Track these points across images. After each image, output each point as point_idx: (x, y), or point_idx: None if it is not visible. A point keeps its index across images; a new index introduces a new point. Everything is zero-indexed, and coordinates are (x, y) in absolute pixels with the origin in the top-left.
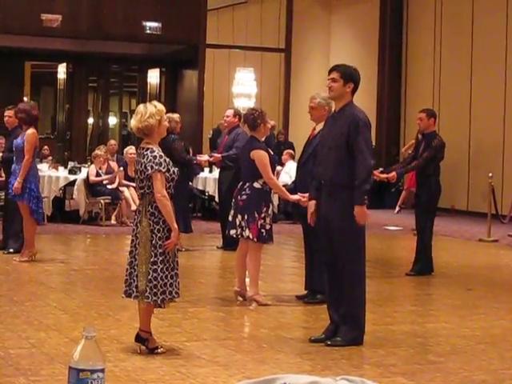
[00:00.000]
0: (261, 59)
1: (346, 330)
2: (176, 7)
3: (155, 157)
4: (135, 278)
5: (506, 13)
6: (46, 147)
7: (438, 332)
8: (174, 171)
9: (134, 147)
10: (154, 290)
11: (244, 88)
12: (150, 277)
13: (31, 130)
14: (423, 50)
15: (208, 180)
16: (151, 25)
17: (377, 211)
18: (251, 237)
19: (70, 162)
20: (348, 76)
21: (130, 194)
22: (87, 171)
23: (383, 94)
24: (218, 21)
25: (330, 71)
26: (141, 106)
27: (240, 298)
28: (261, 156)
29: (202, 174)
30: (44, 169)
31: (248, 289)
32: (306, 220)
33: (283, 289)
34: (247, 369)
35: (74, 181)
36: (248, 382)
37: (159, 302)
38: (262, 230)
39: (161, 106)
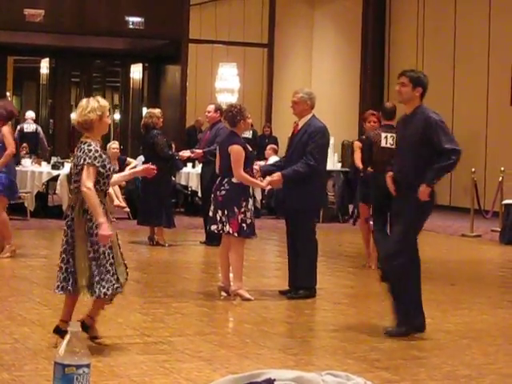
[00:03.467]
0: (244, 54)
1: None
2: (159, 2)
3: (90, 150)
4: (71, 275)
5: (488, 7)
6: (25, 145)
7: None
8: (110, 168)
9: (117, 142)
10: (97, 285)
11: (227, 83)
12: (90, 272)
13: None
14: (406, 45)
15: (191, 175)
16: (134, 20)
17: None
18: (232, 232)
19: (52, 157)
20: (416, 81)
21: (113, 189)
22: (70, 166)
23: (366, 90)
24: (200, 16)
25: (400, 76)
26: (83, 101)
27: (224, 294)
28: (236, 151)
29: (184, 169)
30: (27, 164)
31: (232, 284)
32: (289, 215)
33: (266, 284)
34: (231, 364)
35: (57, 176)
36: (233, 377)
37: (102, 295)
38: (243, 225)
39: (104, 102)
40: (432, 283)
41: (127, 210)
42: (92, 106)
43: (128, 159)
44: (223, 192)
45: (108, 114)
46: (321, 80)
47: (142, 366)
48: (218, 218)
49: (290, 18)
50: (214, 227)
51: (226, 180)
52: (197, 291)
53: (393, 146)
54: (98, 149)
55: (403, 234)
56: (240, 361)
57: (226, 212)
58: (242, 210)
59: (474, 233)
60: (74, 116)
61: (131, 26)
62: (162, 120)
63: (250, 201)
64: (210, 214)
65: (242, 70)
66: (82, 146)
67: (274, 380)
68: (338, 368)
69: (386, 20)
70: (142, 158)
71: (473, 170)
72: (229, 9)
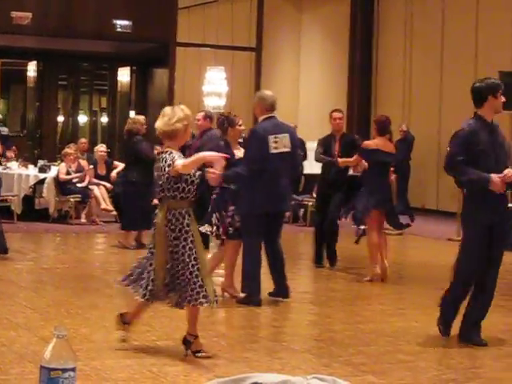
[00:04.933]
0: (232, 58)
1: None
2: (147, 5)
3: (173, 158)
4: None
5: (475, 11)
6: (14, 148)
7: (407, 331)
8: (195, 174)
9: (104, 145)
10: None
11: (214, 87)
12: (192, 282)
13: None
14: (394, 48)
15: None
16: (122, 23)
17: None
18: (221, 234)
19: (39, 161)
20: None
21: (100, 192)
22: (57, 169)
23: (354, 93)
24: (189, 19)
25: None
26: (168, 109)
27: (226, 294)
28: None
29: None
30: (14, 167)
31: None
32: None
33: None
34: (217, 368)
35: (44, 179)
36: (219, 381)
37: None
38: (230, 228)
39: (188, 111)
40: (419, 287)
41: (114, 213)
42: (179, 116)
43: (115, 162)
44: (214, 196)
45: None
46: (309, 84)
47: (128, 369)
48: (214, 221)
49: (278, 21)
50: (206, 229)
51: None
52: None
53: None
54: (181, 155)
55: None
56: (227, 365)
57: (217, 215)
58: (229, 213)
59: (460, 237)
60: (158, 124)
61: (119, 29)
62: (145, 127)
63: None
64: (207, 215)
65: (229, 73)
66: (165, 156)
67: None
68: (324, 372)
69: (373, 24)
70: None
71: None
72: (217, 12)
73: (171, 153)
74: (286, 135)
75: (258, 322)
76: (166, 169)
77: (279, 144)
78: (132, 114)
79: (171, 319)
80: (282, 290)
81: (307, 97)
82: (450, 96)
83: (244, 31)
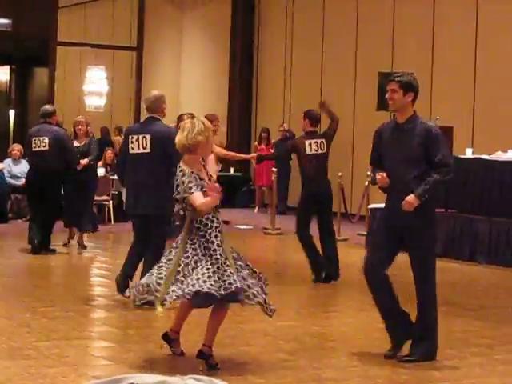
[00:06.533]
0: (112, 57)
1: None
2: (27, 3)
3: (189, 186)
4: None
5: (356, 12)
6: None
7: (287, 330)
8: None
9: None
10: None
11: (95, 86)
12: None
13: None
14: (274, 50)
15: None
16: (1, 21)
17: (229, 210)
18: None
19: None
20: (407, 86)
21: None
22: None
23: (235, 93)
24: (69, 18)
25: (389, 82)
26: (187, 122)
27: None
28: None
29: None
30: None
31: None
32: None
33: None
34: (96, 368)
35: None
36: (96, 382)
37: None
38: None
39: (208, 123)
40: (299, 287)
41: None
42: (199, 128)
43: None
44: None
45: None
46: (190, 84)
47: (6, 371)
48: None
49: (159, 21)
50: None
51: None
52: (64, 296)
53: (318, 152)
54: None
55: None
56: (106, 365)
57: None
58: None
59: (340, 236)
60: (179, 139)
61: None
62: None
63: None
64: None
65: (110, 73)
66: (180, 176)
67: None
68: (202, 373)
69: (254, 24)
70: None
71: (339, 174)
72: (98, 12)
73: (184, 175)
74: (147, 136)
75: (138, 321)
76: (182, 194)
77: (135, 145)
78: (12, 113)
79: (50, 320)
80: None
81: (188, 96)
82: (330, 95)
83: (125, 30)
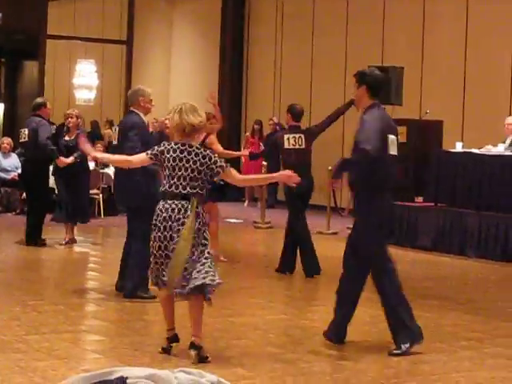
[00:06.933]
0: (102, 51)
1: None
2: None
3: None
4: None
5: (346, 10)
6: None
7: (277, 324)
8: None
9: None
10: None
11: (85, 80)
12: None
13: None
14: (265, 43)
15: None
16: None
17: (219, 204)
18: None
19: None
20: (360, 78)
21: None
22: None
23: (224, 88)
24: (59, 12)
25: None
26: (195, 105)
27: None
28: None
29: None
30: None
31: None
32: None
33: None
34: (86, 362)
35: None
36: (85, 376)
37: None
38: None
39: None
40: (287, 280)
41: None
42: (199, 110)
43: None
44: None
45: None
46: (180, 78)
47: None
48: None
49: (149, 15)
50: None
51: None
52: (54, 289)
53: (296, 147)
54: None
55: None
56: (96, 359)
57: None
58: None
59: (330, 230)
60: (193, 120)
61: None
62: None
63: None
64: None
65: (100, 66)
66: (204, 152)
67: (127, 378)
68: (192, 366)
69: (244, 18)
70: None
71: (329, 168)
72: (88, 5)
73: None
74: (117, 128)
75: (128, 315)
76: (215, 169)
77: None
78: (1, 106)
79: (40, 313)
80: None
81: (178, 91)
82: (320, 89)
83: (115, 24)
